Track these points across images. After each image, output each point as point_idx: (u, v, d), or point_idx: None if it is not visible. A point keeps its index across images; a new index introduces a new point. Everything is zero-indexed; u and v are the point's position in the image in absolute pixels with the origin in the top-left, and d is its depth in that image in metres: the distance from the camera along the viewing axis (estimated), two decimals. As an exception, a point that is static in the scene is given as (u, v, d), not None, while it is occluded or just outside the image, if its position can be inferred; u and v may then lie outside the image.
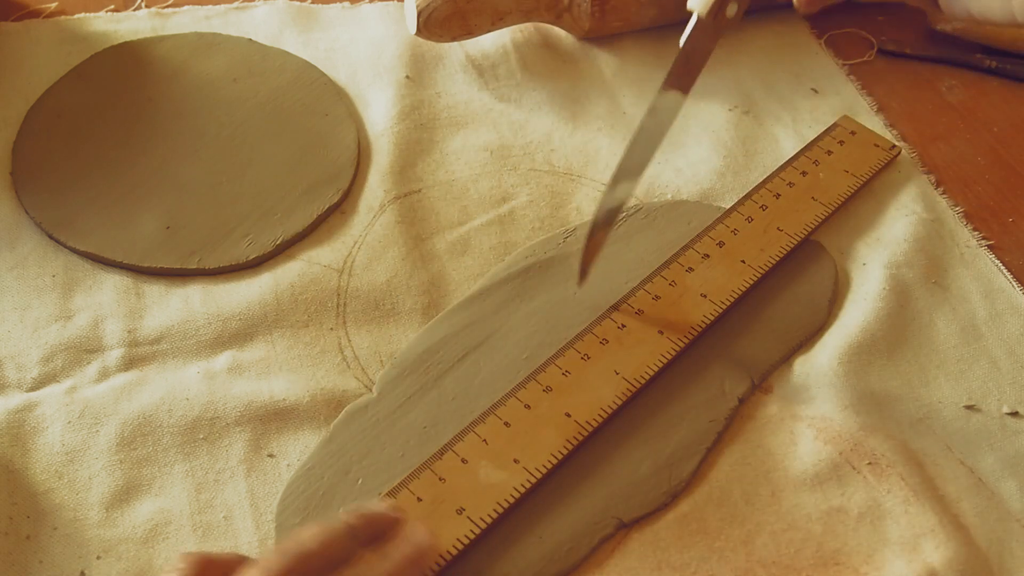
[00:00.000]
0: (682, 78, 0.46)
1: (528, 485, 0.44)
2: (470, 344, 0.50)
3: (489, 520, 0.43)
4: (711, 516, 0.45)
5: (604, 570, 0.43)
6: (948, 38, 0.68)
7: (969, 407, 0.50)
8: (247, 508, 0.44)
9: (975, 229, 0.57)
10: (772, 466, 0.47)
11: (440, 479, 0.44)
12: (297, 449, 0.46)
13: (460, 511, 0.43)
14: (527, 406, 0.46)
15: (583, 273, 0.50)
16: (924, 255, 0.55)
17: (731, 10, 0.42)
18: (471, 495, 0.43)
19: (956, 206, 0.59)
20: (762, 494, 0.46)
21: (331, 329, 0.51)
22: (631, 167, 0.48)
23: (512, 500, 0.43)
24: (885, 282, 0.54)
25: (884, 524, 0.45)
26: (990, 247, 0.56)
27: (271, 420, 0.47)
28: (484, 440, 0.45)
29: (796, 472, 0.46)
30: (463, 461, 0.44)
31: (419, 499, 0.43)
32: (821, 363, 0.50)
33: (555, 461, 0.45)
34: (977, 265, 0.55)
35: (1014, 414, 0.50)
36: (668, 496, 0.45)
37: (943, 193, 0.59)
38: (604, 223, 0.49)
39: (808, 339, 0.52)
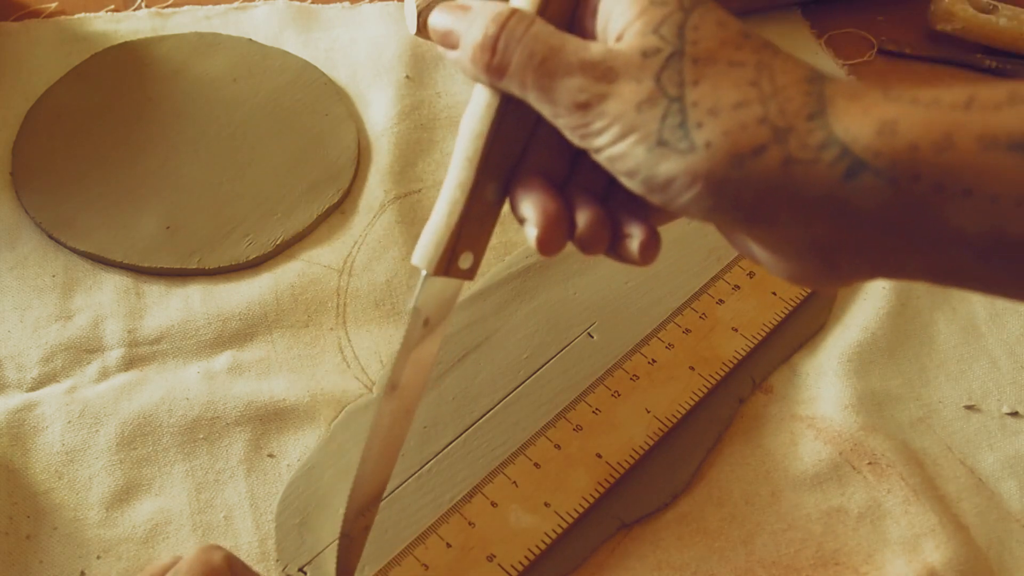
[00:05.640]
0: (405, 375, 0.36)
1: (559, 530, 0.43)
2: (470, 344, 0.50)
3: (520, 568, 0.42)
4: (711, 516, 0.45)
5: (604, 570, 0.43)
6: (948, 38, 0.67)
7: (969, 407, 0.50)
8: (247, 508, 0.44)
9: (975, 229, 0.57)
10: (772, 466, 0.47)
11: (470, 524, 0.43)
12: (297, 449, 0.46)
13: (491, 558, 0.42)
14: (557, 446, 0.45)
15: None
16: (924, 255, 0.55)
17: (465, 261, 0.33)
18: (501, 541, 0.42)
19: (956, 206, 0.58)
20: (762, 494, 0.46)
21: (331, 329, 0.51)
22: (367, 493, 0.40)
23: (543, 546, 0.42)
24: (885, 282, 0.53)
25: (884, 524, 0.45)
26: (990, 247, 0.56)
27: (271, 420, 0.47)
28: (514, 482, 0.44)
29: (796, 472, 0.46)
30: (493, 504, 0.43)
31: (448, 545, 0.42)
32: (821, 363, 0.50)
33: (587, 505, 0.44)
34: (977, 265, 0.55)
35: (1014, 414, 0.50)
36: (668, 496, 0.45)
37: (943, 193, 0.59)
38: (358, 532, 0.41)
39: (808, 339, 0.52)
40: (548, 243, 0.32)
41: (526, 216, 0.32)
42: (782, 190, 0.27)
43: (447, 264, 0.33)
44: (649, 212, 0.33)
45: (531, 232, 0.32)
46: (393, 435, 0.38)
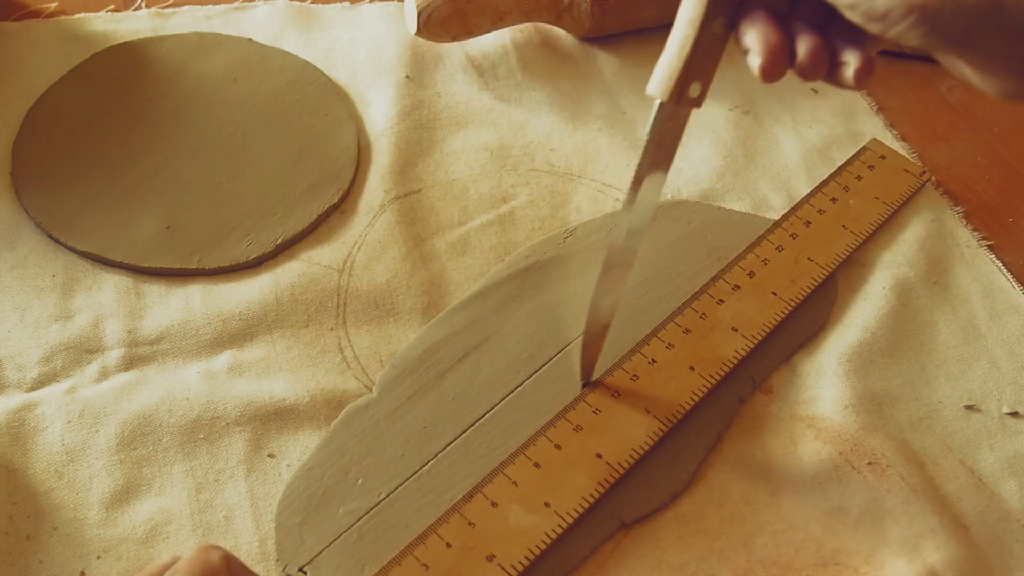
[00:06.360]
0: (659, 162, 0.40)
1: (559, 531, 0.43)
2: (470, 344, 0.50)
3: (520, 568, 0.42)
4: (711, 516, 0.45)
5: (604, 570, 0.43)
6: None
7: (969, 407, 0.50)
8: (247, 508, 0.44)
9: (975, 229, 0.57)
10: (772, 466, 0.47)
11: (470, 523, 0.43)
12: (297, 449, 0.46)
13: (491, 558, 0.42)
14: (557, 446, 0.45)
15: (587, 374, 0.47)
16: (924, 255, 0.55)
17: (694, 90, 0.37)
18: (501, 541, 0.42)
19: (956, 206, 0.59)
20: (762, 494, 0.46)
21: (331, 329, 0.51)
22: (623, 260, 0.43)
23: (543, 547, 0.42)
24: (885, 282, 0.54)
25: (884, 524, 0.45)
26: (990, 247, 0.56)
27: (271, 420, 0.47)
28: (514, 482, 0.44)
29: (796, 472, 0.46)
30: (493, 504, 0.43)
31: (448, 545, 0.42)
32: (821, 363, 0.50)
33: (587, 505, 0.44)
34: (977, 265, 0.55)
35: (1014, 414, 0.50)
36: (668, 496, 0.45)
37: (943, 193, 0.59)
38: (602, 326, 0.46)
39: (808, 339, 0.52)
40: (771, 70, 0.35)
41: (750, 46, 0.35)
42: (992, 17, 0.30)
43: (679, 93, 0.37)
44: (865, 41, 0.35)
45: (754, 61, 0.35)
46: (628, 249, 0.43)
